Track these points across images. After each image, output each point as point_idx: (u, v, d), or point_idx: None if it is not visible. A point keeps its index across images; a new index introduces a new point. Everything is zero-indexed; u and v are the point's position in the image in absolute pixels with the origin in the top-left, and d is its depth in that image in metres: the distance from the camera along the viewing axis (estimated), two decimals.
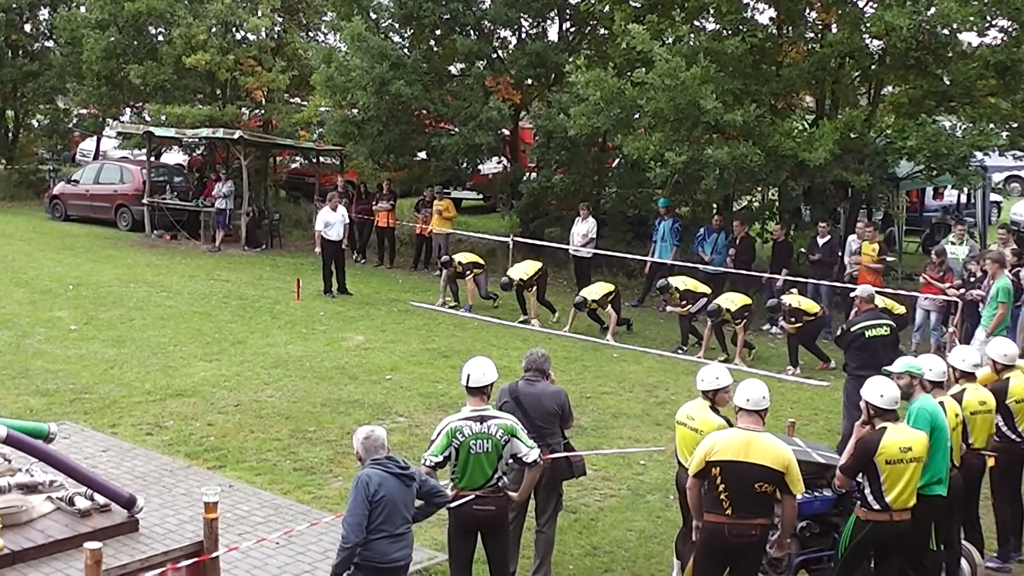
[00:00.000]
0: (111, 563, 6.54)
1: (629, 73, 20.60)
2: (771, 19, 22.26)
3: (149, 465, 11.17)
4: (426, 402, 13.98)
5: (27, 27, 37.48)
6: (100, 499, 9.59)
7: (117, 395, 13.61)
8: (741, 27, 21.30)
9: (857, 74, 21.79)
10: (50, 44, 37.45)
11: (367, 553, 6.77)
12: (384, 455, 6.97)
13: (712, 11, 21.87)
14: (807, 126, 21.82)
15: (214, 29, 29.51)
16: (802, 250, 20.89)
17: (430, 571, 8.90)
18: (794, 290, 17.80)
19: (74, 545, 8.45)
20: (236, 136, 27.06)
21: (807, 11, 21.47)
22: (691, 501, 7.70)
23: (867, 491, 7.86)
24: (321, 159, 30.45)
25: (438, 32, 26.73)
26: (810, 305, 16.52)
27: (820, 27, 21.72)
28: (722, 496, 7.42)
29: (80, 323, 17.70)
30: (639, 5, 22.31)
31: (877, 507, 7.83)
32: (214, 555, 7.03)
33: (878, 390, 7.91)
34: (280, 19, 31.66)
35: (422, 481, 7.14)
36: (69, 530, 9.15)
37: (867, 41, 20.43)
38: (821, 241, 19.68)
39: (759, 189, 24.45)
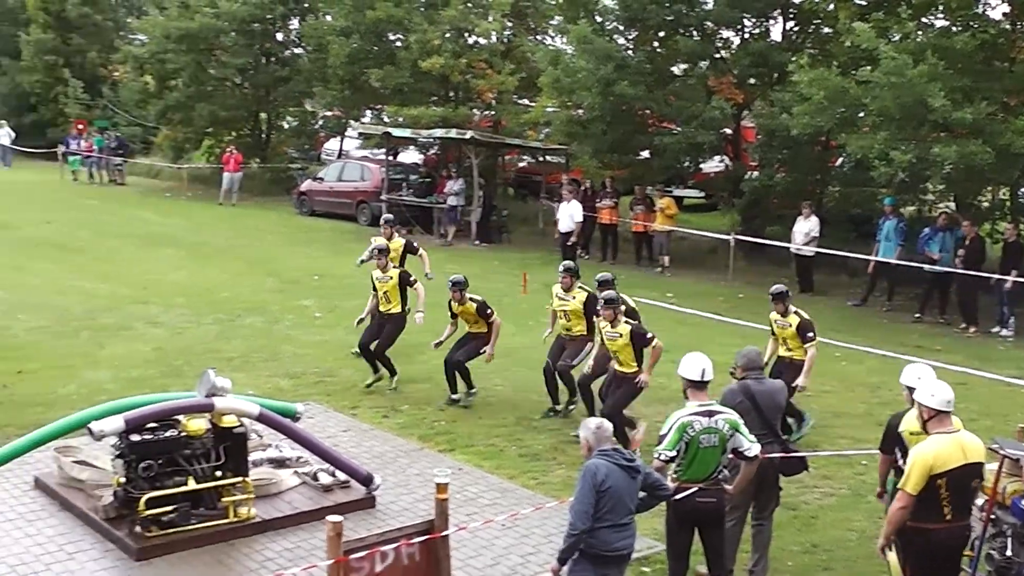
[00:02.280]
0: (350, 536, 6.76)
1: (853, 71, 19.97)
2: (1004, 15, 21.14)
3: (385, 446, 11.52)
4: (646, 395, 13.85)
5: (279, 36, 39.10)
6: (341, 476, 9.99)
7: (357, 379, 14.07)
8: (971, 23, 20.30)
9: None
10: (299, 51, 38.98)
11: (592, 541, 6.79)
12: (611, 447, 6.97)
13: (940, 7, 20.93)
14: None
15: (448, 34, 30.10)
16: None
17: (649, 560, 8.86)
18: None
19: (317, 517, 8.84)
20: (467, 136, 27.56)
21: None
22: (899, 518, 7.28)
23: None
24: (547, 158, 30.67)
25: (661, 33, 26.54)
26: None
27: None
28: (944, 504, 7.09)
29: (324, 311, 18.38)
30: (864, 3, 21.64)
31: None
32: (444, 533, 7.16)
33: None
34: (510, 24, 32.00)
35: (646, 474, 7.11)
36: (313, 503, 9.57)
37: None
38: None
39: (989, 188, 23.24)
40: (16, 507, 9.44)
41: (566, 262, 13.54)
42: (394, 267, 14.05)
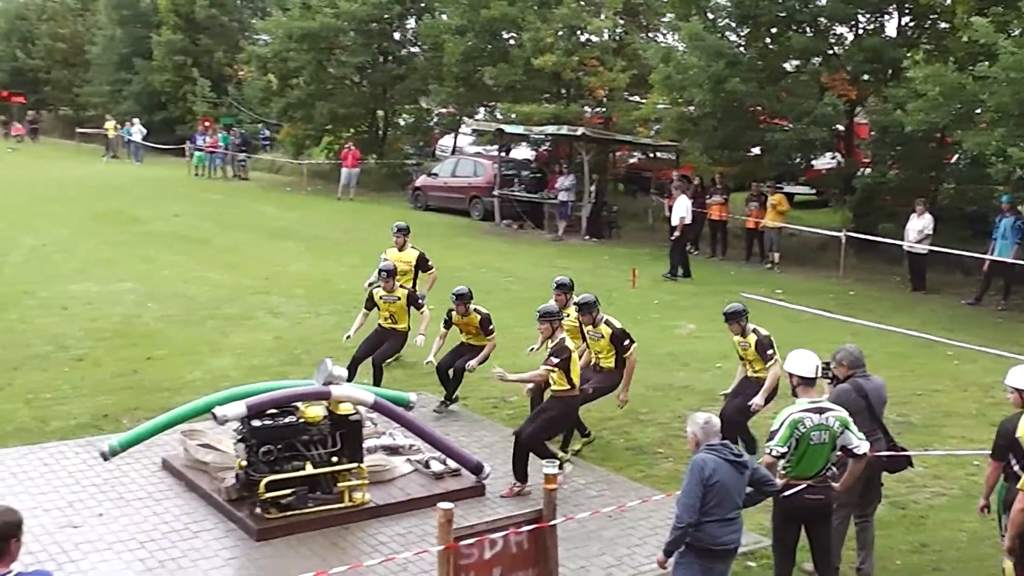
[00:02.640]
0: (460, 523, 6.84)
1: (971, 67, 19.40)
2: None
3: (495, 436, 11.59)
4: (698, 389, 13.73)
5: (396, 35, 39.52)
6: (452, 464, 10.09)
7: None
8: None
9: None
10: (415, 50, 39.32)
11: (699, 534, 6.75)
12: (719, 442, 6.92)
13: None
14: None
15: (560, 32, 30.09)
16: None
17: (755, 555, 8.77)
18: None
19: (428, 504, 8.95)
20: (579, 133, 27.55)
21: None
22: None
23: None
24: (657, 154, 30.48)
25: (773, 30, 26.12)
26: None
27: None
28: None
29: (437, 304, 18.52)
30: None
31: None
32: (552, 523, 7.19)
33: None
34: (621, 21, 31.88)
35: (753, 469, 7.05)
36: (424, 490, 9.69)
37: None
38: None
39: None
40: (145, 487, 9.75)
41: (559, 278, 12.60)
42: (401, 287, 13.14)
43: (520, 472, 9.94)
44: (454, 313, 12.43)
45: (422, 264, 13.52)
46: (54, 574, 4.91)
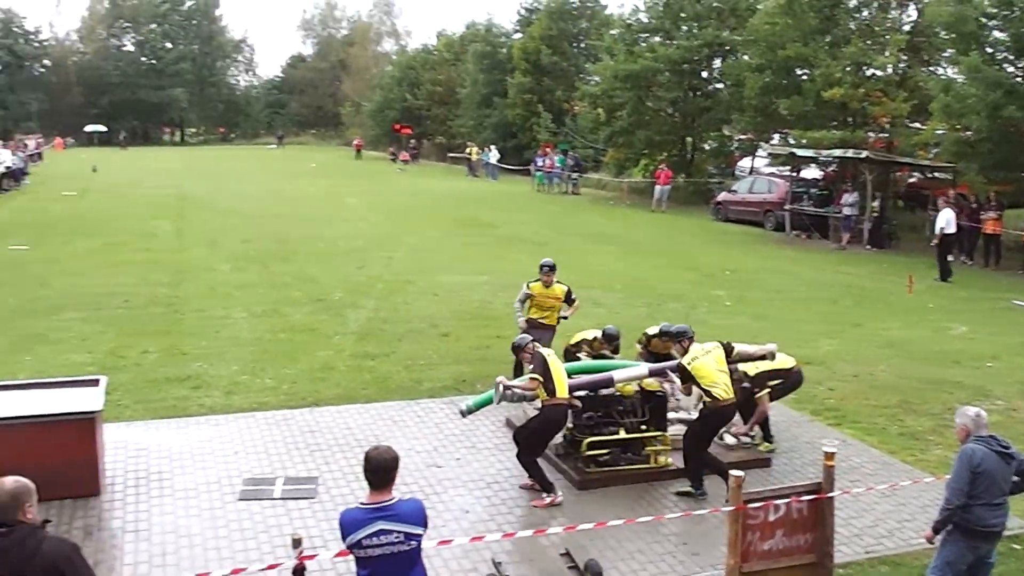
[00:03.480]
0: (748, 488, 6.66)
1: None
2: None
3: (780, 416, 11.17)
4: None
5: (703, 74, 39.22)
6: (744, 437, 9.85)
7: None
8: None
9: None
10: (719, 86, 38.82)
11: (967, 516, 6.24)
12: (987, 434, 6.37)
13: None
14: None
15: (847, 68, 28.75)
16: None
17: (1019, 539, 8.00)
18: None
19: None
20: (863, 155, 26.24)
21: None
22: None
23: None
24: (935, 174, 28.48)
25: None
26: None
27: None
28: None
29: (734, 300, 18.19)
30: None
31: None
32: (830, 495, 6.87)
33: None
34: (904, 57, 29.97)
35: (1020, 460, 6.43)
36: (719, 459, 9.48)
37: None
38: None
39: None
40: (492, 439, 10.14)
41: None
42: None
43: (542, 482, 8.50)
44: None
45: (568, 298, 11.89)
46: (423, 503, 5.17)
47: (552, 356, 8.70)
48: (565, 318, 11.69)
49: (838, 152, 27.40)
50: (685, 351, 8.80)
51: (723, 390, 8.54)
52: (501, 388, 8.64)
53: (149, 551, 7.41)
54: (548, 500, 8.42)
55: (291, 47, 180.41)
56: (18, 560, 4.26)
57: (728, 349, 8.94)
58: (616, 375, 9.39)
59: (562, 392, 8.49)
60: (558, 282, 11.50)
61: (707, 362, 8.59)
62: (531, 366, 8.61)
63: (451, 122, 61.50)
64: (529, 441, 8.59)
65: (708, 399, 8.60)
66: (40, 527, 4.46)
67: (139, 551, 7.40)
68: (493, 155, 50.03)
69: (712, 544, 7.67)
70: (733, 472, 6.61)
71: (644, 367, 9.55)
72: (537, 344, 8.91)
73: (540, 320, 11.60)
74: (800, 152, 29.15)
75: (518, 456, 8.59)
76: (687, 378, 8.71)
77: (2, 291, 17.20)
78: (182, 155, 68.28)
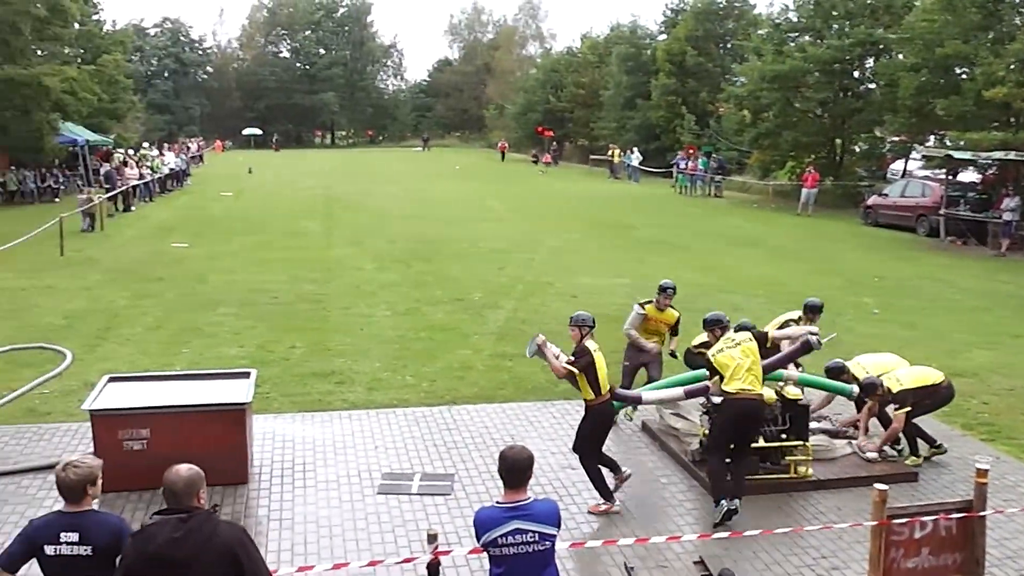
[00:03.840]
0: (892, 503, 6.41)
1: None
2: None
3: (927, 430, 10.70)
4: None
5: (855, 74, 38.03)
6: (889, 451, 9.50)
7: None
8: None
9: None
10: (871, 86, 37.58)
11: None
12: None
13: None
14: None
15: (1012, 66, 27.24)
16: None
17: None
18: None
19: (864, 483, 8.49)
20: None
21: None
22: None
23: None
24: None
25: None
26: None
27: None
28: None
29: (882, 308, 17.52)
30: None
31: None
32: (982, 514, 6.55)
33: None
34: None
35: None
36: (862, 471, 9.22)
37: None
38: None
39: None
40: (627, 443, 10.10)
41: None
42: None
43: (601, 490, 8.33)
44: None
45: (676, 327, 11.24)
46: (557, 504, 5.19)
47: (599, 353, 8.27)
48: (674, 355, 11.11)
49: (999, 154, 26.05)
50: (717, 340, 8.57)
51: (743, 383, 8.10)
52: (536, 345, 8.34)
53: (292, 539, 7.69)
54: (604, 507, 8.29)
55: (438, 51, 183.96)
56: (196, 544, 4.45)
57: (761, 338, 8.60)
58: (646, 395, 9.27)
59: (605, 389, 8.22)
60: (670, 306, 10.96)
61: (732, 353, 8.27)
62: (574, 356, 8.20)
63: (593, 124, 61.44)
64: (585, 447, 8.34)
65: (726, 392, 8.16)
66: (212, 512, 4.67)
67: (283, 539, 7.70)
68: (635, 157, 49.74)
69: (852, 559, 7.42)
70: (876, 486, 6.36)
71: (679, 390, 9.34)
72: (592, 341, 8.34)
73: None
74: (957, 154, 27.84)
75: (582, 464, 8.35)
76: (712, 372, 8.44)
77: (164, 286, 18.18)
78: (331, 157, 70.62)
